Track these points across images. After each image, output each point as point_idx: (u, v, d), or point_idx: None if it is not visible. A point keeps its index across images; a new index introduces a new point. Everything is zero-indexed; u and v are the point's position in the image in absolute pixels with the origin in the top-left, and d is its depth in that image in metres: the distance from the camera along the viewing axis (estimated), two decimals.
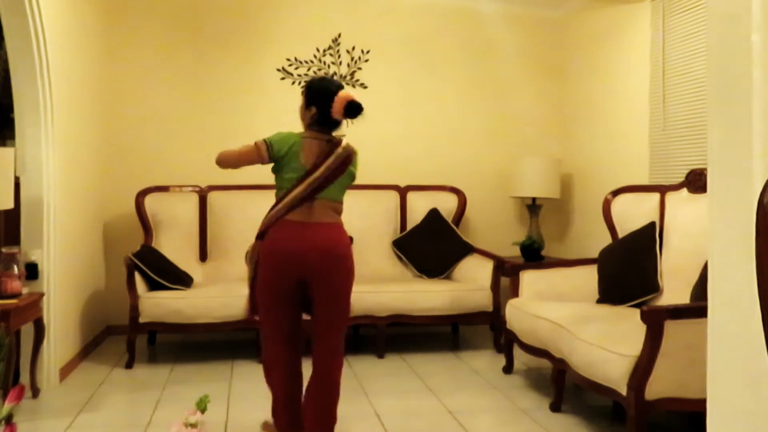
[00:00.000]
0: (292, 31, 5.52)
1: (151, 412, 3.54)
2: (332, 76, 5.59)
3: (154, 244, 4.90)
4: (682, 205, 3.84)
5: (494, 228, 5.71)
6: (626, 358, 2.87)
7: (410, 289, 4.75)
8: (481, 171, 5.74)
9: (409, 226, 5.36)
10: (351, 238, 3.06)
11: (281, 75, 5.49)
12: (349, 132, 5.94)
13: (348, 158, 3.00)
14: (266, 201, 5.99)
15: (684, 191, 3.88)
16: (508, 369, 4.24)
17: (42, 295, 3.74)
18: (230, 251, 5.06)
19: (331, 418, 2.92)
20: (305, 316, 2.98)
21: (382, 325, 4.61)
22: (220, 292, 4.50)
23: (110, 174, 5.23)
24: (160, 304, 4.36)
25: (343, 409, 3.32)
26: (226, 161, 3.06)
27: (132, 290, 4.33)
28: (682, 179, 3.97)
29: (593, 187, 5.18)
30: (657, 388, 2.81)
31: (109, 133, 5.22)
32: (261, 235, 2.97)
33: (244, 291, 4.50)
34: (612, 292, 3.93)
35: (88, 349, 4.68)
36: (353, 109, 2.98)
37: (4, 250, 3.56)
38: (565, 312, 3.58)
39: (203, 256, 5.11)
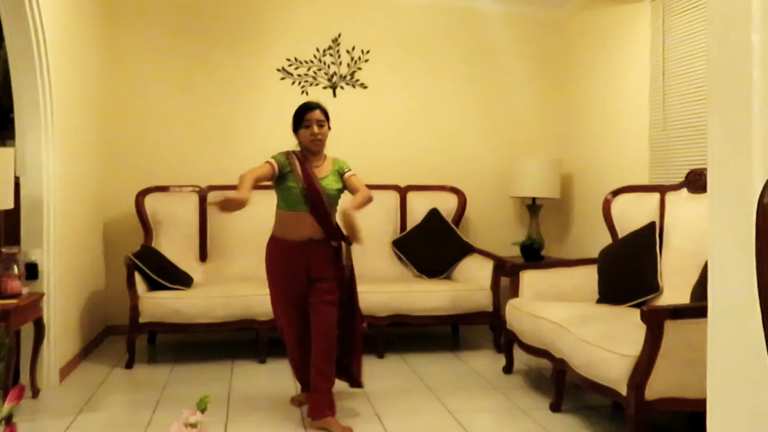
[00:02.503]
0: (292, 31, 5.52)
1: (151, 412, 3.54)
2: (332, 76, 5.59)
3: (154, 244, 4.90)
4: (682, 205, 3.84)
5: (494, 228, 5.71)
6: (626, 358, 2.87)
7: (410, 289, 4.75)
8: (481, 171, 5.74)
9: (409, 226, 5.35)
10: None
11: (281, 75, 5.49)
12: (349, 131, 5.96)
13: None
14: (266, 201, 5.98)
15: (684, 191, 3.88)
16: (508, 369, 4.24)
17: (42, 295, 3.74)
18: (230, 251, 5.06)
19: None
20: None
21: (382, 325, 4.61)
22: (220, 292, 4.50)
23: (110, 174, 5.23)
24: (160, 304, 4.36)
25: (343, 409, 3.33)
26: None
27: (132, 290, 4.33)
28: (682, 179, 3.97)
29: (593, 187, 5.17)
30: (657, 388, 2.81)
31: (109, 133, 5.22)
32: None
33: (244, 291, 4.52)
34: (612, 292, 3.93)
35: (88, 349, 4.68)
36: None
37: (4, 250, 3.56)
38: (565, 312, 3.58)
39: (203, 256, 5.11)
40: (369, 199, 3.41)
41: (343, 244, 3.45)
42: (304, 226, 3.36)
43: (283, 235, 3.39)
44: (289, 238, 3.37)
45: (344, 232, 3.36)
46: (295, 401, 3.67)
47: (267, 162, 3.36)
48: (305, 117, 3.38)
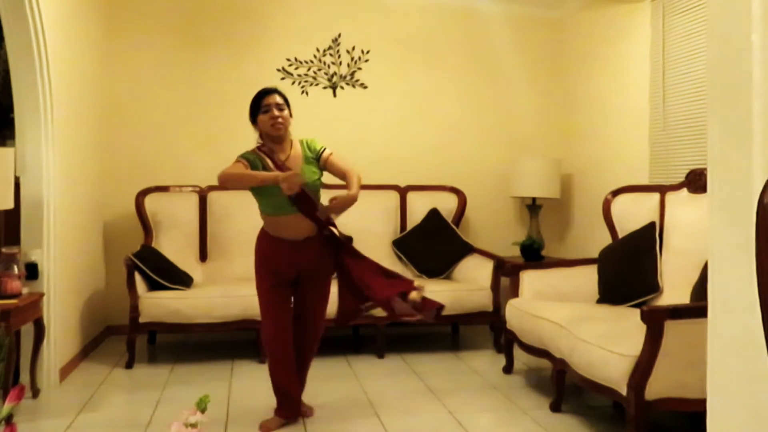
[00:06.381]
0: (292, 31, 5.52)
1: (151, 412, 3.54)
2: (332, 76, 5.58)
3: (154, 244, 4.90)
4: (682, 205, 3.84)
5: (494, 228, 5.71)
6: (626, 358, 2.87)
7: None
8: (481, 171, 5.74)
9: (409, 226, 5.35)
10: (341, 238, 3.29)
11: (281, 75, 5.48)
12: (349, 132, 5.94)
13: None
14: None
15: (684, 191, 3.88)
16: (508, 369, 4.24)
17: (42, 295, 3.74)
18: (230, 251, 5.06)
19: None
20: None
21: (382, 325, 4.60)
22: (220, 292, 4.50)
23: (110, 174, 5.22)
24: (160, 304, 4.36)
25: (343, 409, 3.33)
26: None
27: (132, 290, 4.33)
28: (682, 179, 3.97)
29: (593, 187, 5.18)
30: (657, 388, 2.81)
31: (109, 133, 5.22)
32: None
33: (244, 291, 4.52)
34: (612, 292, 3.93)
35: (88, 349, 4.68)
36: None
37: (4, 250, 3.55)
38: (565, 312, 3.58)
39: (203, 256, 5.10)
40: (360, 181, 3.19)
41: (333, 229, 3.23)
42: (300, 228, 3.17)
43: (277, 235, 3.20)
44: (284, 237, 3.19)
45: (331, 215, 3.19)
46: (274, 424, 3.29)
47: (238, 161, 3.16)
48: (263, 102, 3.21)
